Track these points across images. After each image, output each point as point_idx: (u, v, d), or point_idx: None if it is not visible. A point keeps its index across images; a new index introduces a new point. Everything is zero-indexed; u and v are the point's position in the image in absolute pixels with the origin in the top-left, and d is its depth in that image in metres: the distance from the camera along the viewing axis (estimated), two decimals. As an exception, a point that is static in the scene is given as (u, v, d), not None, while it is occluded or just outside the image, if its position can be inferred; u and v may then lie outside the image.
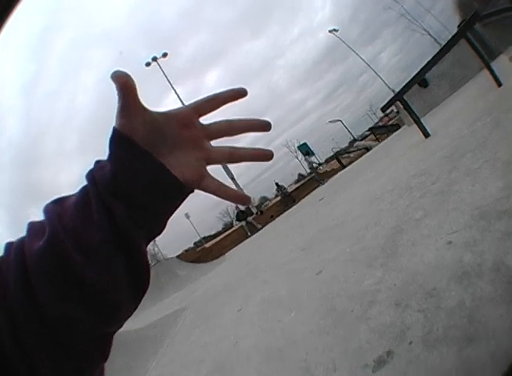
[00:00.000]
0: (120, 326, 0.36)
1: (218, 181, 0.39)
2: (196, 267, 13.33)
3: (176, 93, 21.29)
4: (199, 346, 3.97)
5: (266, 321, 3.24)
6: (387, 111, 14.33)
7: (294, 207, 15.22)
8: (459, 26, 9.84)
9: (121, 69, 0.34)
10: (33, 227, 0.35)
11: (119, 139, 0.35)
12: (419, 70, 8.63)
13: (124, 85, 0.34)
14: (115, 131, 0.35)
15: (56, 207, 0.34)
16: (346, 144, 26.37)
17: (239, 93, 0.40)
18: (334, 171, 18.94)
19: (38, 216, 0.35)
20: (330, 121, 27.28)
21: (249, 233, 16.59)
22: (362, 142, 22.91)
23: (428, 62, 8.23)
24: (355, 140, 25.08)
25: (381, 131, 21.66)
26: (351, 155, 21.34)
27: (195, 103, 0.39)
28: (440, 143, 5.10)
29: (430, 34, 19.76)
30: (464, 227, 2.25)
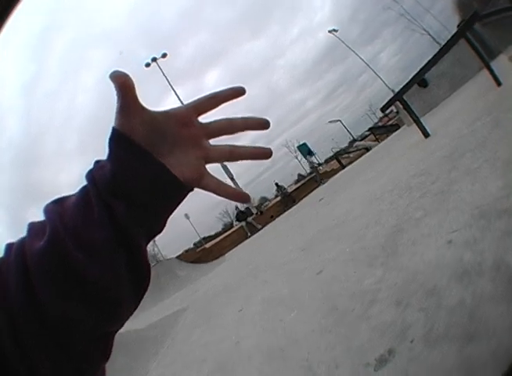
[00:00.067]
0: (121, 325, 0.36)
1: (217, 179, 0.39)
2: (197, 267, 13.33)
3: (176, 94, 21.26)
4: (200, 346, 3.96)
5: (267, 321, 3.24)
6: (387, 111, 14.36)
7: (294, 207, 15.22)
8: (458, 26, 9.87)
9: (120, 69, 0.34)
10: (33, 227, 0.35)
11: (118, 139, 0.35)
12: (418, 70, 8.65)
13: (123, 85, 0.34)
14: (114, 130, 0.35)
15: (57, 207, 0.34)
16: (346, 144, 26.35)
17: (238, 92, 0.40)
18: (334, 172, 18.92)
19: (38, 216, 0.35)
20: (330, 121, 27.22)
21: (249, 234, 16.58)
22: (362, 142, 22.86)
23: (428, 62, 8.25)
24: (354, 140, 25.03)
25: (381, 131, 21.62)
26: (351, 155, 21.32)
27: (194, 101, 0.40)
28: (440, 143, 5.10)
29: (429, 34, 19.75)
30: (464, 226, 2.25)
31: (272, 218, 16.62)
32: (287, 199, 19.05)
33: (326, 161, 24.42)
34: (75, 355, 0.32)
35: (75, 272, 0.31)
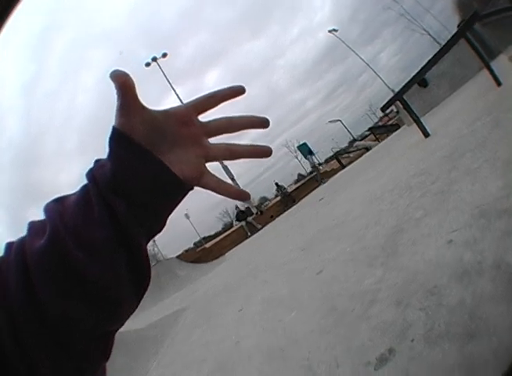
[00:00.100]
0: (122, 324, 0.36)
1: (217, 178, 0.40)
2: (197, 267, 13.33)
3: (176, 93, 21.27)
4: (200, 346, 3.96)
5: (267, 321, 3.24)
6: (387, 111, 14.35)
7: (294, 207, 15.21)
8: (458, 25, 9.87)
9: (121, 68, 0.34)
10: (33, 226, 0.35)
11: (118, 138, 0.35)
12: (418, 69, 8.64)
13: (123, 84, 0.34)
14: (114, 130, 0.35)
15: (57, 206, 0.34)
16: (346, 144, 26.37)
17: (238, 91, 0.40)
18: (334, 171, 18.92)
19: (38, 216, 0.35)
20: (330, 121, 27.25)
21: (249, 233, 16.57)
22: (362, 142, 22.86)
23: (428, 62, 8.24)
24: (354, 140, 25.03)
25: (381, 131, 21.61)
26: (351, 155, 21.31)
27: (194, 100, 0.40)
28: (440, 143, 5.10)
29: (429, 34, 19.76)
30: (464, 226, 2.25)
31: (272, 217, 16.60)
32: (287, 199, 19.05)
33: (326, 161, 24.45)
34: (75, 354, 0.32)
35: (75, 271, 0.31)
